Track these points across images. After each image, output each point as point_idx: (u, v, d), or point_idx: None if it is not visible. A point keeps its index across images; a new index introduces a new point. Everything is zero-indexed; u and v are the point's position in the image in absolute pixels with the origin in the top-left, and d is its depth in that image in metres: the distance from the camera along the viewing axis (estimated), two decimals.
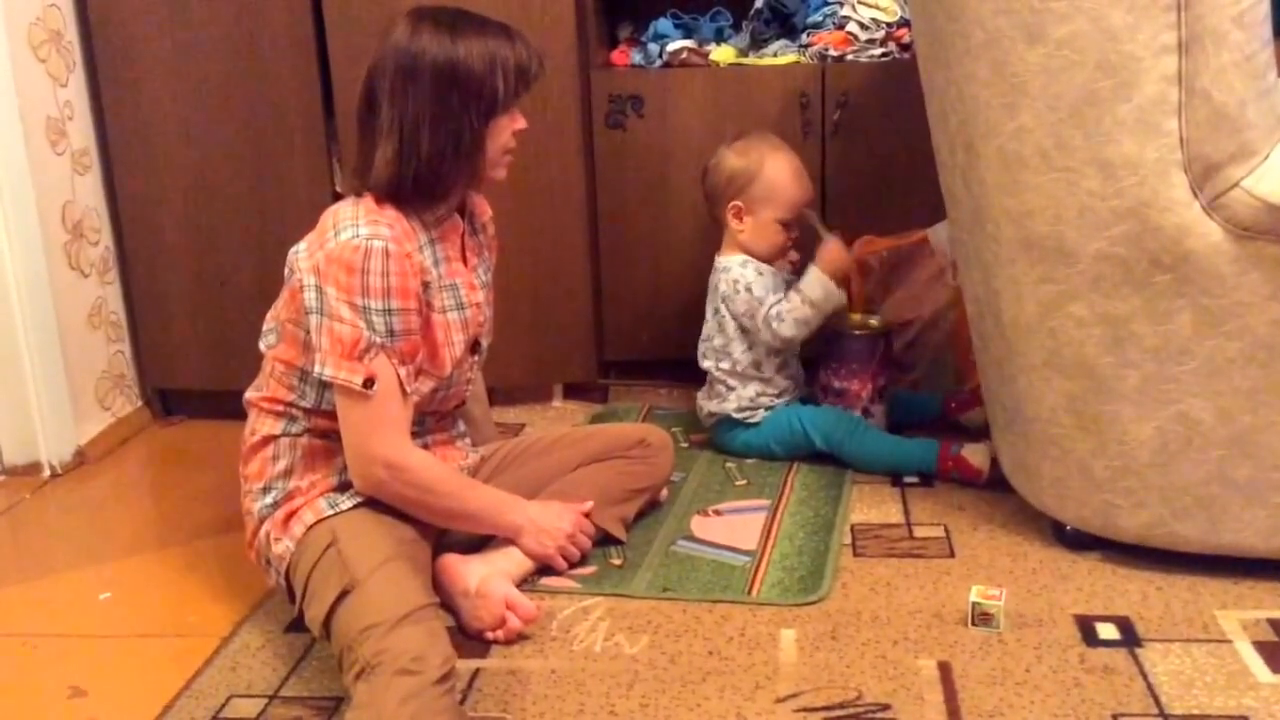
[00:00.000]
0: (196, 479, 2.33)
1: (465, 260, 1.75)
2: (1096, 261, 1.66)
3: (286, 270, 1.66)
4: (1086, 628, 1.65)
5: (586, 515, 1.85)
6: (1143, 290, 1.65)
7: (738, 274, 2.23)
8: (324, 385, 1.62)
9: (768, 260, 2.26)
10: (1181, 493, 1.72)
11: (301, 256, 1.63)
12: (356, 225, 1.59)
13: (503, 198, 2.44)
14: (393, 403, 1.61)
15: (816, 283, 2.18)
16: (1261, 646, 1.59)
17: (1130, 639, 1.62)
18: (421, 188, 1.63)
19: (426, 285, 1.64)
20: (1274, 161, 1.58)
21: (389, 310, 1.57)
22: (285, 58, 2.42)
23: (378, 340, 1.57)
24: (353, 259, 1.56)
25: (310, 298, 1.59)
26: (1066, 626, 1.65)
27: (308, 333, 1.61)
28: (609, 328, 2.64)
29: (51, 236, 2.40)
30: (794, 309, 2.17)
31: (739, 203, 2.22)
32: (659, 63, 2.55)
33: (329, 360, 1.57)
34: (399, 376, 1.61)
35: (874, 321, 2.33)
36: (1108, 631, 1.64)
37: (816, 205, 2.33)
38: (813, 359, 2.34)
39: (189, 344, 2.58)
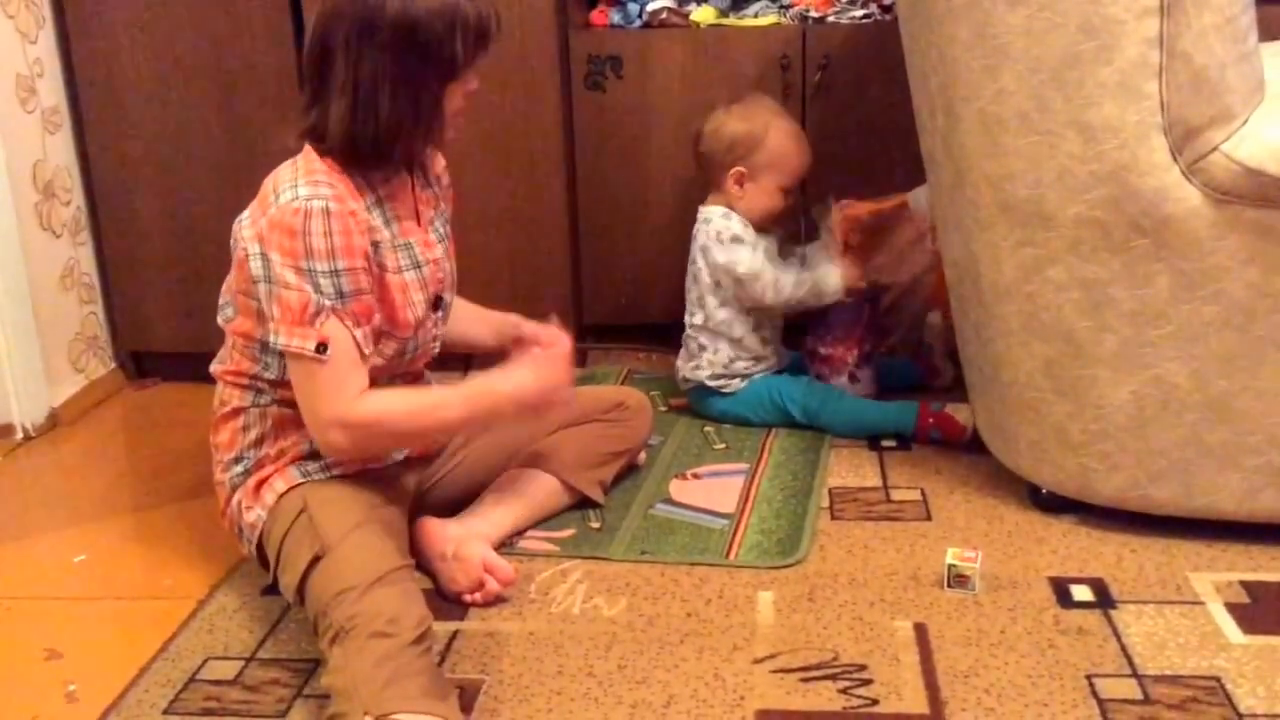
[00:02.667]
0: (171, 441, 2.31)
1: (418, 217, 1.71)
2: (1075, 225, 1.66)
3: (232, 241, 1.62)
4: (1061, 590, 1.66)
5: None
6: (1121, 254, 1.65)
7: (719, 225, 2.21)
8: (284, 352, 1.57)
9: (761, 225, 2.25)
10: (1157, 456, 1.73)
11: (245, 225, 1.58)
12: (295, 187, 1.53)
13: (480, 159, 2.43)
14: (345, 365, 1.56)
15: (832, 280, 2.19)
16: (1234, 608, 1.60)
17: (1104, 601, 1.63)
18: (377, 150, 1.58)
19: (377, 245, 1.60)
20: (1253, 126, 1.58)
21: (336, 271, 1.53)
22: (259, 15, 2.39)
23: (327, 303, 1.53)
24: (293, 221, 1.51)
25: (256, 266, 1.54)
26: (1041, 588, 1.67)
27: (259, 302, 1.57)
28: (588, 291, 2.63)
29: (22, 196, 2.36)
30: (800, 282, 2.19)
31: (741, 169, 2.21)
32: (638, 23, 2.52)
33: (280, 328, 1.53)
34: (355, 339, 1.56)
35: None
36: (1082, 593, 1.65)
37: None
38: (799, 325, 2.34)
39: (162, 306, 2.56)
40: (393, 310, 1.64)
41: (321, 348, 1.53)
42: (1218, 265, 1.62)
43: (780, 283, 2.18)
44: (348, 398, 1.58)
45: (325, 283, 1.52)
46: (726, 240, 2.20)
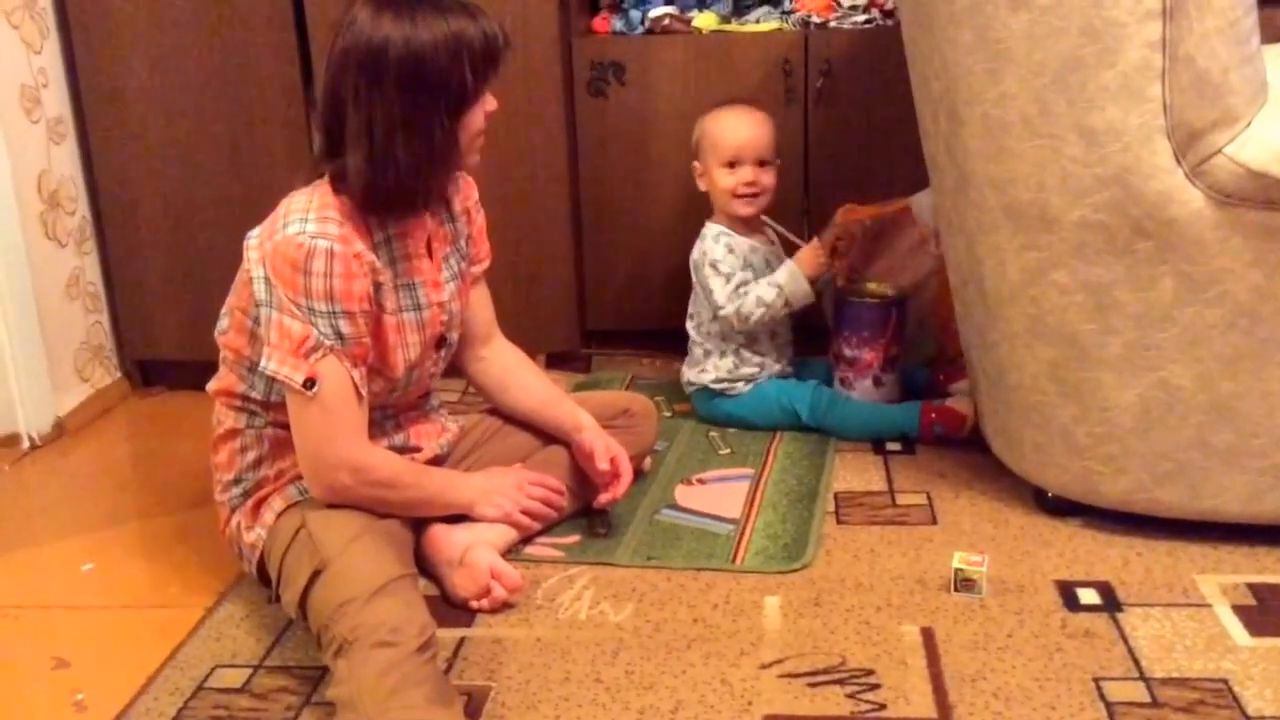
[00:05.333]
0: (177, 450, 2.32)
1: (431, 253, 1.70)
2: (1079, 229, 1.66)
3: (244, 256, 1.61)
4: (1068, 593, 1.66)
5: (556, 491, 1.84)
6: (1125, 257, 1.65)
7: (708, 245, 2.25)
8: (273, 379, 1.57)
9: (735, 211, 2.26)
10: (1162, 459, 1.73)
11: (253, 245, 1.58)
12: (305, 220, 1.53)
13: (484, 167, 2.42)
14: (348, 406, 1.57)
15: (790, 275, 2.20)
16: (1240, 610, 1.60)
17: (1111, 604, 1.63)
18: (399, 196, 1.57)
19: (379, 286, 1.59)
20: (1257, 128, 1.58)
21: (334, 313, 1.52)
22: (263, 26, 2.39)
23: (327, 342, 1.53)
24: (296, 256, 1.51)
25: (260, 290, 1.55)
26: (1048, 592, 1.67)
27: (256, 322, 1.57)
28: (591, 297, 2.63)
29: (27, 206, 2.37)
30: (759, 289, 2.19)
31: (696, 163, 2.29)
32: (640, 29, 2.53)
33: (274, 355, 1.53)
34: (353, 379, 1.56)
35: (887, 289, 2.32)
36: (1089, 596, 1.65)
37: (776, 213, 2.33)
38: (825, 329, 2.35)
39: (167, 314, 2.57)
40: (385, 350, 1.64)
41: (310, 383, 1.53)
42: (1222, 268, 1.62)
43: (744, 312, 2.20)
44: (358, 438, 1.59)
45: (323, 322, 1.53)
46: (705, 265, 2.23)
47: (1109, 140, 1.61)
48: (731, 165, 2.23)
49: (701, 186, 2.30)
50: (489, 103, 1.62)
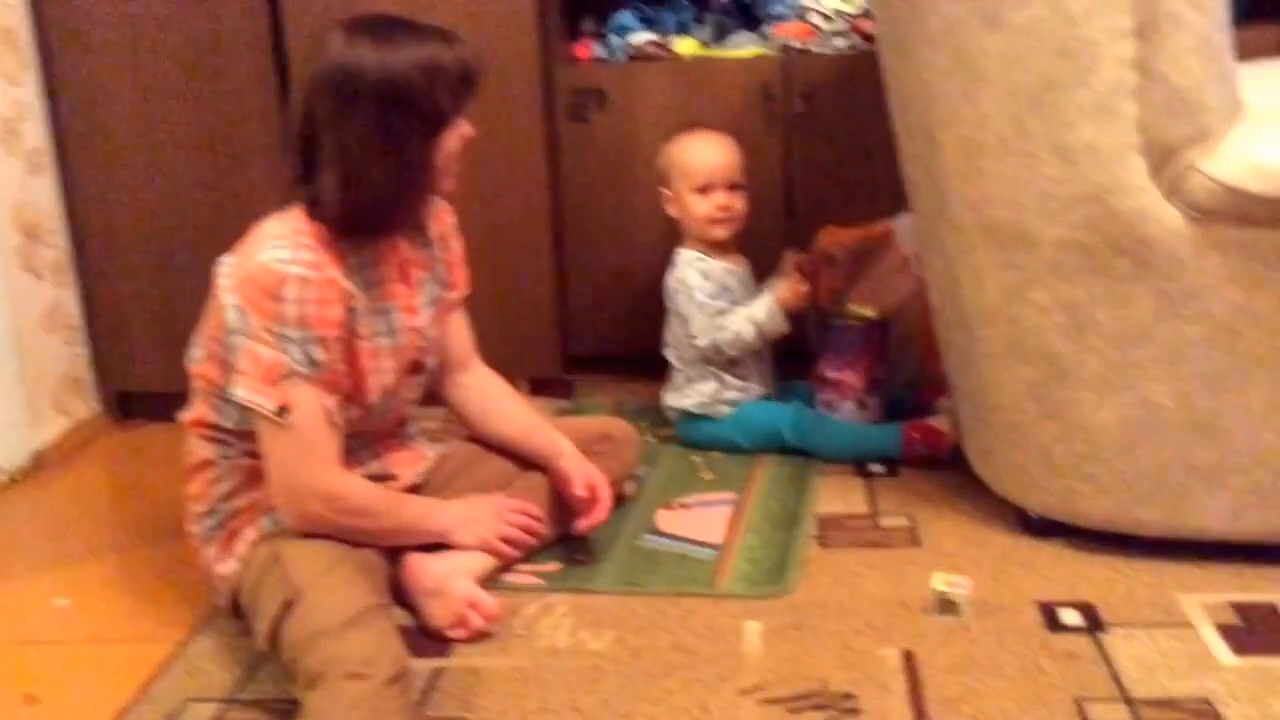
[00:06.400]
0: (156, 482, 2.30)
1: (407, 278, 1.69)
2: (1056, 247, 1.66)
3: (215, 283, 1.60)
4: (1050, 614, 1.65)
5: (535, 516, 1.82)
6: (1103, 276, 1.65)
7: (683, 272, 2.25)
8: (245, 407, 1.56)
9: (710, 237, 2.26)
10: (1143, 478, 1.72)
11: (225, 273, 1.57)
12: (278, 246, 1.52)
13: (465, 191, 2.41)
14: (321, 434, 1.56)
15: (764, 307, 2.20)
16: (1224, 629, 1.59)
17: (1093, 624, 1.61)
18: (374, 222, 1.57)
19: (353, 311, 1.58)
20: (1231, 144, 1.57)
21: (307, 340, 1.51)
22: (242, 56, 2.39)
23: (299, 369, 1.52)
24: (269, 283, 1.50)
25: (232, 318, 1.53)
26: (1030, 613, 1.65)
27: (228, 350, 1.56)
28: (574, 322, 2.62)
29: (6, 239, 2.36)
30: (738, 324, 2.20)
31: (666, 190, 2.29)
32: (622, 56, 2.53)
33: (245, 382, 1.52)
34: (325, 406, 1.55)
35: (869, 311, 2.31)
36: (1071, 617, 1.63)
37: (758, 237, 2.34)
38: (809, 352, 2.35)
39: (147, 346, 2.55)
40: (359, 377, 1.63)
41: (282, 411, 1.52)
42: (1200, 285, 1.61)
43: (719, 344, 2.21)
44: (332, 466, 1.58)
45: (296, 350, 1.52)
46: (681, 293, 2.24)
47: (1085, 159, 1.60)
48: (704, 191, 2.23)
49: (672, 213, 2.30)
50: (465, 129, 1.61)
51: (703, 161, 2.24)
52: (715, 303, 2.22)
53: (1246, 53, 1.70)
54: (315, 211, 1.56)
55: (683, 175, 2.25)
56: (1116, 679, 1.49)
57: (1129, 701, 1.45)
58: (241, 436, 1.62)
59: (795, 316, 2.22)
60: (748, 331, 2.20)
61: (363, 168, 1.52)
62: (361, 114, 1.50)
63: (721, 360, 2.25)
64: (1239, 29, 1.62)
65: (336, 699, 1.33)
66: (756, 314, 2.20)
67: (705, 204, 2.23)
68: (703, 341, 2.21)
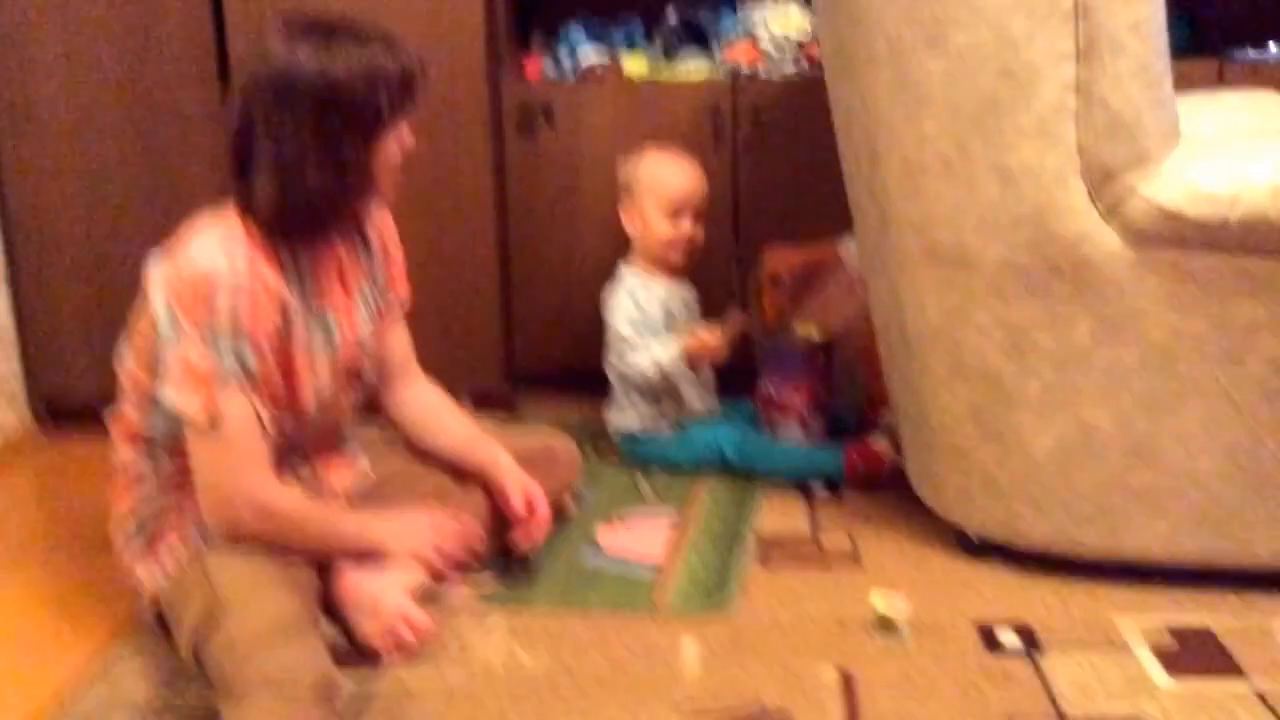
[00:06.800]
0: (84, 493, 2.24)
1: (345, 285, 1.66)
2: (997, 269, 1.67)
3: (146, 282, 1.56)
4: (988, 635, 1.64)
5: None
6: (1042, 298, 1.66)
7: (616, 294, 2.25)
8: (173, 412, 1.52)
9: (665, 259, 2.25)
10: (1083, 500, 1.73)
11: (155, 273, 1.53)
12: (211, 248, 1.49)
13: (408, 203, 2.39)
14: (252, 442, 1.52)
15: (669, 353, 2.16)
16: (1161, 653, 1.59)
17: (1031, 646, 1.61)
18: (308, 222, 1.54)
19: (287, 318, 1.55)
20: (1169, 169, 1.59)
21: (239, 344, 1.48)
22: (183, 55, 2.35)
23: (231, 375, 1.48)
24: (200, 284, 1.47)
25: (162, 319, 1.49)
26: (968, 633, 1.65)
27: (156, 352, 1.52)
28: (519, 339, 2.60)
29: None
30: (642, 360, 2.18)
31: (627, 204, 2.27)
32: (570, 75, 2.52)
33: (172, 386, 1.49)
34: (257, 413, 1.52)
35: (814, 333, 2.31)
36: (1009, 638, 1.63)
37: (706, 258, 2.33)
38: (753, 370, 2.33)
39: (79, 355, 2.49)
40: (295, 385, 1.59)
41: (213, 418, 1.48)
42: (1137, 309, 1.63)
43: (625, 371, 2.20)
44: (263, 475, 1.54)
45: (228, 354, 1.48)
46: (613, 308, 2.23)
47: (1025, 180, 1.62)
48: (673, 215, 2.22)
49: (631, 229, 2.28)
50: (405, 135, 1.59)
51: (678, 186, 2.23)
52: (630, 332, 2.19)
53: (1185, 85, 1.73)
54: (249, 212, 1.53)
55: (651, 193, 2.23)
56: (1053, 700, 1.49)
57: None
58: (169, 442, 1.58)
59: (694, 368, 2.20)
60: (650, 370, 2.17)
61: (298, 170, 1.49)
62: (298, 116, 1.48)
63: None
64: (1178, 61, 1.64)
65: (259, 713, 1.29)
66: (661, 356, 2.17)
67: (671, 230, 2.23)
68: (614, 360, 2.20)
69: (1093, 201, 1.60)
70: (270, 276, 1.52)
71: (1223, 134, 1.80)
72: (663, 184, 2.24)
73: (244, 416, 1.51)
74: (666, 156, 2.27)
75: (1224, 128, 1.87)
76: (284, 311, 1.54)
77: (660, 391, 2.23)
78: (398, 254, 1.80)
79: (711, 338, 2.16)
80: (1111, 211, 1.60)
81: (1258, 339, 1.61)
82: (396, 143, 1.57)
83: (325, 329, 1.62)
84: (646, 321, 2.21)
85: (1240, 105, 2.05)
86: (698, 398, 2.28)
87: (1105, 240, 1.60)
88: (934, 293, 1.74)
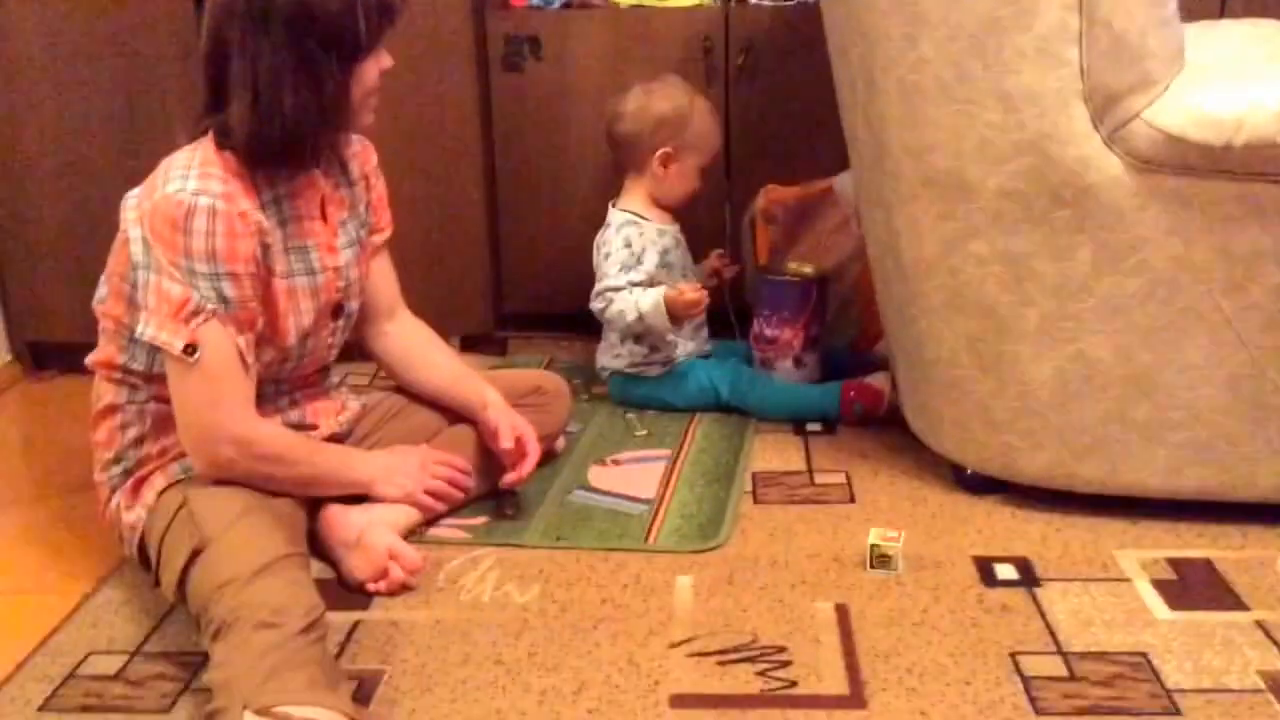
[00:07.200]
0: (66, 434, 2.21)
1: (325, 216, 1.61)
2: (997, 197, 1.63)
3: (120, 219, 1.52)
4: (985, 569, 1.62)
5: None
6: (1043, 226, 1.62)
7: (610, 235, 2.18)
8: (154, 347, 1.49)
9: (678, 206, 2.20)
10: (1081, 433, 1.70)
11: (130, 206, 1.50)
12: (185, 178, 1.45)
13: (392, 141, 2.35)
14: (232, 374, 1.48)
15: (652, 300, 2.08)
16: (1160, 584, 1.57)
17: (1029, 579, 1.59)
18: (286, 149, 1.49)
19: (267, 247, 1.51)
20: (1174, 93, 1.55)
21: (216, 274, 1.44)
22: None
23: (209, 306, 1.44)
24: (176, 215, 1.42)
25: (137, 251, 1.46)
26: (965, 568, 1.62)
27: (134, 288, 1.48)
28: (508, 278, 2.56)
29: None
30: (624, 305, 2.11)
31: (668, 149, 2.15)
32: (558, 3, 2.46)
33: (152, 320, 1.45)
34: (238, 346, 1.48)
35: (807, 269, 2.27)
36: (1006, 572, 1.61)
37: (698, 197, 2.26)
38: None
39: (60, 295, 2.45)
40: (275, 317, 1.55)
41: (190, 349, 1.45)
42: (1140, 236, 1.59)
43: (607, 315, 2.13)
44: (244, 410, 1.51)
45: (205, 284, 1.44)
46: (602, 255, 2.17)
47: (1026, 105, 1.57)
48: (704, 169, 2.20)
49: (662, 174, 2.17)
50: (384, 59, 1.54)
51: (717, 143, 2.21)
52: (618, 277, 2.12)
53: (1187, 15, 1.68)
54: (225, 141, 1.48)
55: (698, 147, 2.17)
56: (1051, 632, 1.47)
57: (1064, 654, 1.43)
58: (150, 379, 1.55)
59: (676, 320, 2.11)
60: (630, 314, 2.10)
61: (274, 96, 1.44)
62: (274, 40, 1.43)
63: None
64: None
65: (244, 649, 1.27)
66: (643, 302, 2.09)
67: (698, 182, 2.20)
68: (594, 304, 2.15)
69: (1095, 126, 1.56)
70: (248, 206, 1.47)
71: (1226, 62, 1.76)
72: (709, 142, 2.19)
73: (223, 347, 1.47)
74: (708, 108, 2.20)
75: (1227, 56, 1.82)
76: (262, 241, 1.49)
77: (642, 336, 2.19)
78: (380, 185, 1.75)
79: (692, 290, 2.09)
80: (1114, 136, 1.55)
81: (1262, 267, 1.58)
82: (375, 66, 1.52)
83: (306, 261, 1.58)
84: (641, 265, 2.16)
85: (1243, 34, 1.99)
86: (689, 335, 2.24)
87: (1108, 167, 1.56)
88: (931, 222, 1.70)
